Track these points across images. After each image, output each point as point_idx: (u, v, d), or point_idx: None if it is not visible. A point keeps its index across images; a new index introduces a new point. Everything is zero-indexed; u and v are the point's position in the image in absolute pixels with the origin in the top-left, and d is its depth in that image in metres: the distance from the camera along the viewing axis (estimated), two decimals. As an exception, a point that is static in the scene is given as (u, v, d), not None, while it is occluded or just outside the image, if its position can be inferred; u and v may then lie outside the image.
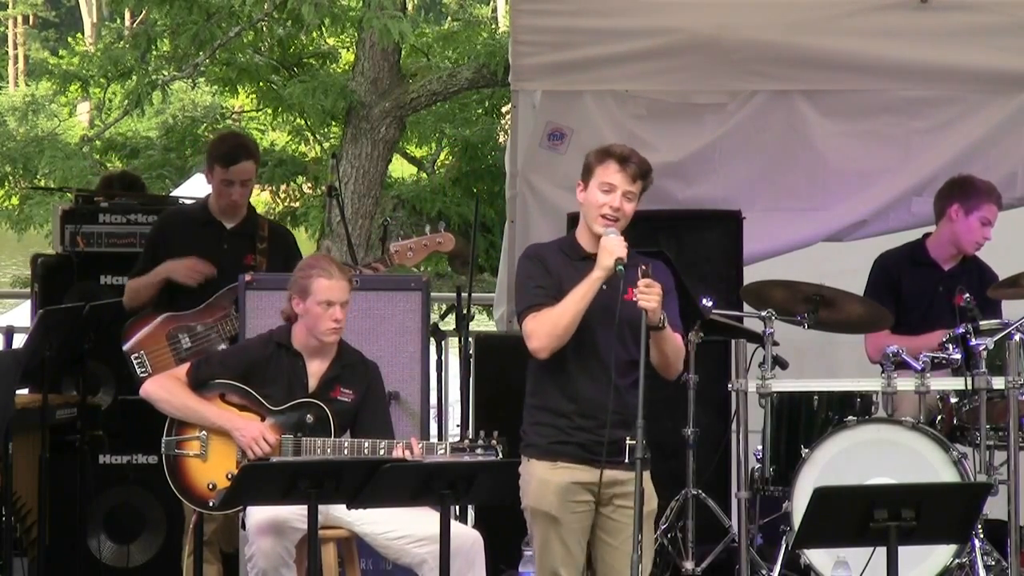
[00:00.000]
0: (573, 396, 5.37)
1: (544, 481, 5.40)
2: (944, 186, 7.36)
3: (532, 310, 5.38)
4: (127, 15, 24.13)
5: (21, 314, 10.95)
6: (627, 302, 5.34)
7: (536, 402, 5.47)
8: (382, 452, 6.01)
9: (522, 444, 5.52)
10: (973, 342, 6.58)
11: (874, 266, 7.39)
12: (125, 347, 7.09)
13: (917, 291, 7.27)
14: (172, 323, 7.07)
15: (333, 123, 15.01)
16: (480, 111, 16.08)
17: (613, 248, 5.29)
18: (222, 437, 6.17)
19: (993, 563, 6.56)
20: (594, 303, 5.32)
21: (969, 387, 6.58)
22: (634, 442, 5.16)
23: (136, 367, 7.05)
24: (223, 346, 6.90)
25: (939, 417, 6.79)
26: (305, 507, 5.47)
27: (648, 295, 5.23)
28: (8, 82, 35.53)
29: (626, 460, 5.24)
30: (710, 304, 6.87)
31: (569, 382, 5.38)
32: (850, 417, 6.65)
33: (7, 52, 37.49)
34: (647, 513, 5.31)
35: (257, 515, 5.99)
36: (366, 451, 6.03)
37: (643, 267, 5.29)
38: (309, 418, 6.15)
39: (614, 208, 5.37)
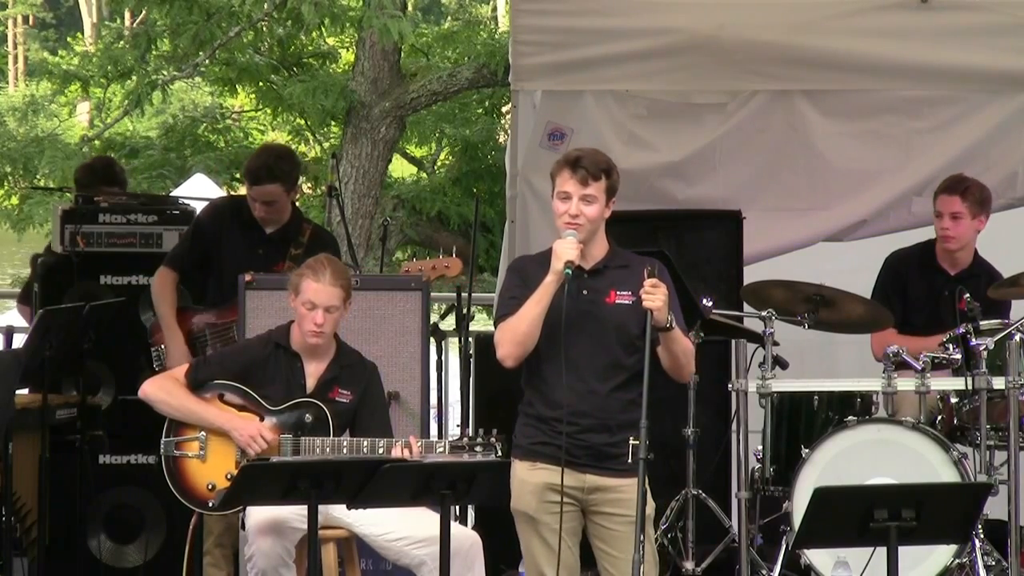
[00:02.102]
0: (555, 403, 5.35)
1: (522, 481, 5.42)
2: None
3: (501, 320, 5.40)
4: (127, 15, 24.12)
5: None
6: (609, 304, 5.36)
7: (525, 408, 5.49)
8: (381, 451, 6.01)
9: (512, 446, 5.54)
10: (973, 342, 6.58)
11: (884, 264, 7.39)
12: (153, 339, 7.23)
13: (923, 293, 7.27)
14: (193, 318, 7.15)
15: (333, 123, 15.03)
16: (480, 111, 16.11)
17: (562, 252, 5.28)
18: (221, 437, 6.16)
19: (993, 563, 6.55)
20: (571, 309, 5.31)
21: (969, 387, 6.57)
22: (638, 442, 5.16)
23: (152, 358, 7.09)
24: None
25: (939, 417, 6.79)
26: (305, 507, 5.47)
27: (654, 295, 5.22)
28: (8, 82, 35.51)
29: (630, 461, 5.24)
30: (710, 304, 6.88)
31: (551, 390, 5.37)
32: (850, 417, 6.65)
33: (7, 52, 37.47)
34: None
35: (257, 515, 5.99)
36: (365, 450, 6.03)
37: (649, 268, 5.29)
38: (308, 418, 6.15)
39: (572, 215, 5.35)
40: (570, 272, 5.26)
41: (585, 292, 5.37)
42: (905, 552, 5.10)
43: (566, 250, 5.28)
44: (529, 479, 5.40)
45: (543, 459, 5.37)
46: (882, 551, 5.09)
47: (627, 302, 5.36)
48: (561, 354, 5.32)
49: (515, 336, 5.34)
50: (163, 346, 7.17)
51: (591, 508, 5.41)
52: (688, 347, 5.45)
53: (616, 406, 5.32)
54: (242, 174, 7.28)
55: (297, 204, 7.50)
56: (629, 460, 5.23)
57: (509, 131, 8.62)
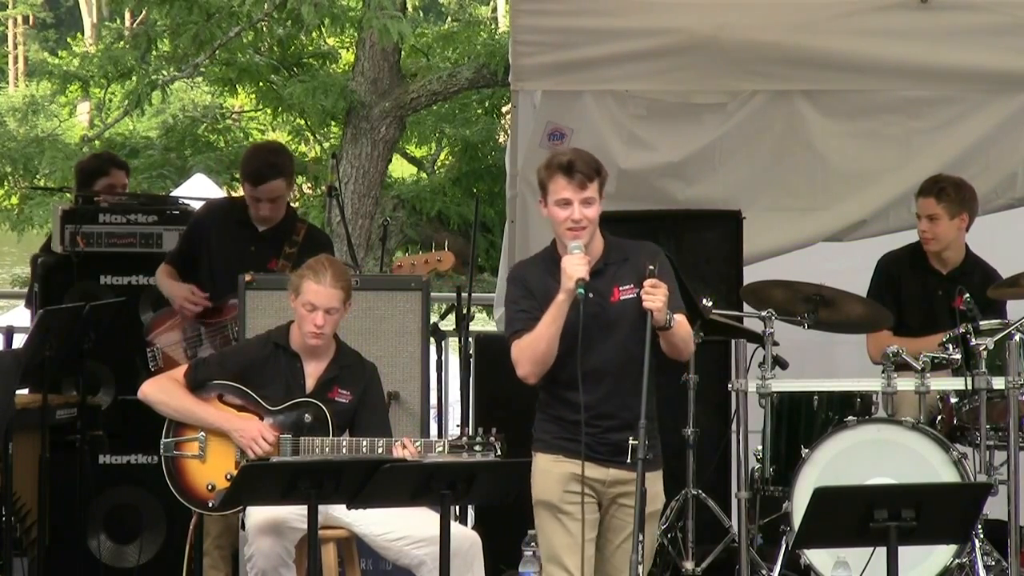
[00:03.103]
0: (575, 407, 5.35)
1: (546, 472, 5.45)
2: None
3: (516, 336, 5.41)
4: (127, 15, 24.13)
5: (21, 314, 10.94)
6: (614, 303, 5.38)
7: (544, 407, 5.51)
8: (381, 451, 6.01)
9: (532, 441, 5.56)
10: (973, 342, 6.57)
11: (876, 267, 7.39)
12: (148, 338, 7.23)
13: (916, 293, 7.27)
14: (189, 318, 7.16)
15: (333, 123, 15.03)
16: (480, 111, 16.12)
17: (572, 271, 5.28)
18: (221, 438, 6.17)
19: (993, 563, 6.55)
20: (582, 313, 5.29)
21: (969, 387, 6.57)
22: (636, 443, 5.17)
23: (148, 359, 7.09)
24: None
25: (939, 417, 6.78)
26: (305, 507, 5.47)
27: (654, 296, 5.23)
28: (8, 82, 35.52)
29: (628, 460, 5.25)
30: (710, 304, 6.88)
31: (570, 395, 5.38)
32: (850, 417, 6.64)
33: (7, 52, 37.48)
34: (651, 513, 5.36)
35: (256, 515, 5.99)
36: (365, 450, 6.03)
37: (650, 268, 5.29)
38: (307, 418, 6.15)
39: (575, 220, 5.36)
40: (583, 292, 5.26)
41: (591, 295, 5.36)
42: (905, 552, 5.10)
43: (576, 268, 5.28)
44: (553, 469, 5.43)
45: (566, 453, 5.41)
46: (882, 551, 5.10)
47: (631, 296, 5.38)
48: (577, 362, 5.33)
49: (535, 356, 5.35)
50: (159, 346, 7.17)
51: (608, 500, 5.45)
52: (687, 332, 5.47)
53: (635, 403, 5.31)
54: (240, 176, 7.26)
55: (297, 204, 7.50)
56: (651, 455, 5.29)
57: (509, 131, 8.61)
